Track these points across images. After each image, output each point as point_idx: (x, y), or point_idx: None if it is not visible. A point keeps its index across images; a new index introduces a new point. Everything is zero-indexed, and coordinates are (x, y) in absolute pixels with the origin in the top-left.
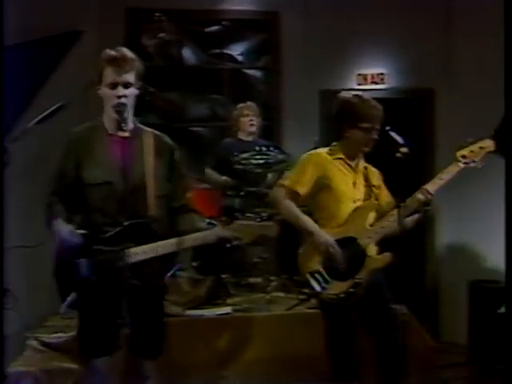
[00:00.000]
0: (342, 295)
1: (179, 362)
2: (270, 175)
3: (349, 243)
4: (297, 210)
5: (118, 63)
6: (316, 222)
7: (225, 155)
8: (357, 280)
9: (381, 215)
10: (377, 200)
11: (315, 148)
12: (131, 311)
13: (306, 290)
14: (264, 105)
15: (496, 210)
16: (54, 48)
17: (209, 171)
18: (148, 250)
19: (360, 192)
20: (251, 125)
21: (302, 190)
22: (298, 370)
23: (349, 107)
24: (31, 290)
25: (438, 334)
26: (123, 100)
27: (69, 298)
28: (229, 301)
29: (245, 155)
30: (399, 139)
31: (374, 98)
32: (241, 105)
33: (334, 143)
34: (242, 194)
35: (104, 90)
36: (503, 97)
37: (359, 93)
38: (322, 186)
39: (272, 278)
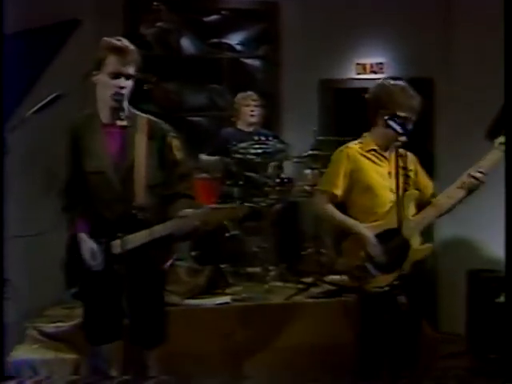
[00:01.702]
0: (387, 288)
1: (178, 352)
2: (270, 166)
3: (392, 235)
4: (336, 213)
5: (123, 54)
6: (352, 216)
7: (223, 144)
8: (402, 272)
9: (421, 202)
10: (409, 185)
11: (315, 138)
12: (130, 301)
13: (307, 280)
14: (263, 94)
15: (496, 199)
16: (53, 37)
17: (202, 156)
18: (134, 240)
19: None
20: (252, 115)
21: (338, 191)
22: (297, 360)
23: (388, 94)
24: (31, 280)
25: (437, 323)
26: (123, 91)
27: (73, 289)
28: (227, 290)
29: (243, 144)
30: (398, 128)
31: None
32: (242, 94)
33: (365, 134)
34: (241, 183)
35: (103, 78)
36: (503, 87)
37: (399, 81)
38: (356, 180)
39: (271, 267)
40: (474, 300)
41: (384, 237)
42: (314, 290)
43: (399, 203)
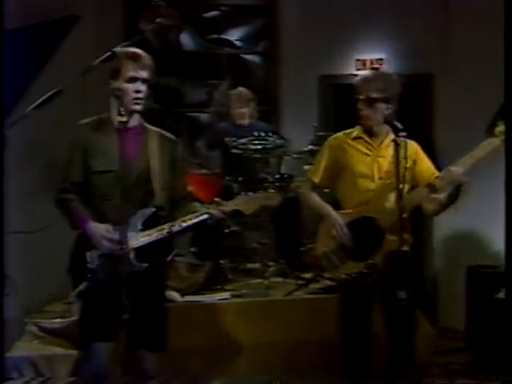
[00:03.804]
0: (355, 275)
1: (178, 348)
2: (270, 161)
3: (367, 223)
4: (312, 197)
5: (138, 60)
6: (339, 203)
7: (220, 139)
8: (371, 261)
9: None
10: (402, 175)
11: (315, 134)
12: (131, 300)
13: (307, 275)
14: (262, 90)
15: (496, 195)
16: (52, 33)
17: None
18: (151, 234)
19: (382, 170)
20: (239, 112)
21: (316, 179)
22: (297, 356)
23: (356, 83)
24: (30, 276)
25: (436, 319)
26: (140, 95)
27: (79, 288)
28: (227, 286)
29: (243, 140)
30: (398, 124)
31: None
32: (233, 90)
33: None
34: (241, 179)
35: (121, 85)
36: (503, 82)
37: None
38: (340, 168)
39: (270, 263)
40: (474, 296)
41: (358, 224)
42: (314, 286)
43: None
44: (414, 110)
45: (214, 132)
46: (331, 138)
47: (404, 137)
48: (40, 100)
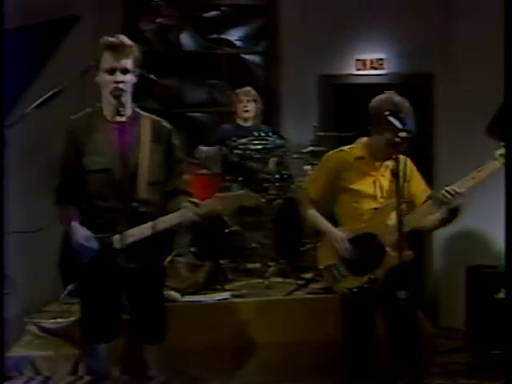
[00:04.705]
0: (356, 290)
1: (178, 348)
2: (270, 162)
3: (368, 240)
4: (313, 214)
5: (116, 49)
6: (338, 219)
7: (222, 140)
8: (373, 276)
9: (411, 208)
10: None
11: (315, 134)
12: (130, 296)
13: (307, 275)
14: (263, 90)
15: (495, 195)
16: (52, 33)
17: (201, 147)
18: (134, 233)
19: (383, 189)
20: (245, 110)
21: (314, 194)
22: (297, 356)
23: (387, 104)
24: (30, 276)
25: (436, 319)
26: (121, 85)
27: (69, 287)
28: (227, 286)
29: (243, 140)
30: (398, 124)
31: (373, 84)
32: (237, 90)
33: (361, 140)
34: (241, 179)
35: (102, 76)
36: (502, 81)
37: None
38: (340, 186)
39: (270, 263)
40: (474, 296)
41: (359, 240)
42: (314, 286)
43: (381, 212)
44: (414, 110)
45: (217, 133)
46: (333, 154)
47: (404, 137)
48: (40, 100)
